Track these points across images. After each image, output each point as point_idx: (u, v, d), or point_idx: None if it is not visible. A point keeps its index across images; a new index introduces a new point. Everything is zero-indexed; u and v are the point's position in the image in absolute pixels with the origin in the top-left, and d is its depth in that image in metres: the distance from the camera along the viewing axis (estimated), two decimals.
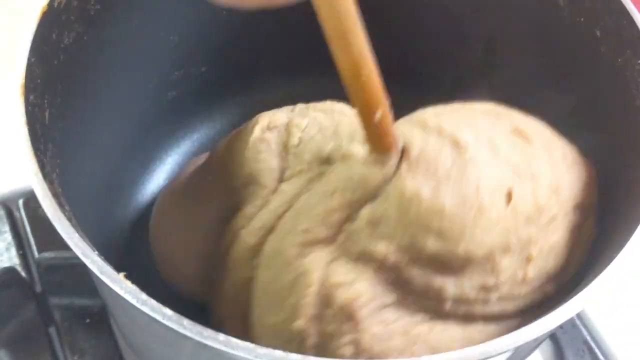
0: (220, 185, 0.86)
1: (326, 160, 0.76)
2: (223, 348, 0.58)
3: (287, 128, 0.83)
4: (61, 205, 0.68)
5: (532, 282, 0.68)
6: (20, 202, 1.14)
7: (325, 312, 0.65)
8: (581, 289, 0.66)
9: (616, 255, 0.69)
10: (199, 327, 0.59)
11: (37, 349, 1.00)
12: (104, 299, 0.88)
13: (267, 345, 0.58)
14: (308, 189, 0.74)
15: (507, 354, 0.67)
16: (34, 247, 1.10)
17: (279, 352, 0.57)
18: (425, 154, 0.66)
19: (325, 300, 0.66)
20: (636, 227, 0.71)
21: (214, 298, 0.82)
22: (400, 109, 0.73)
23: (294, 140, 0.81)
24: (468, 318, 0.67)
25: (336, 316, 0.65)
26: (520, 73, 1.01)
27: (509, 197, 0.66)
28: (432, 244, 0.63)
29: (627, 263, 0.69)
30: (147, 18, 0.97)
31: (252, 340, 0.61)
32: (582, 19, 0.88)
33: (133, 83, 1.02)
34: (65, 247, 0.64)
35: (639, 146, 0.80)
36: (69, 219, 0.67)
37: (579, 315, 1.10)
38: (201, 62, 1.10)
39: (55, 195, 0.69)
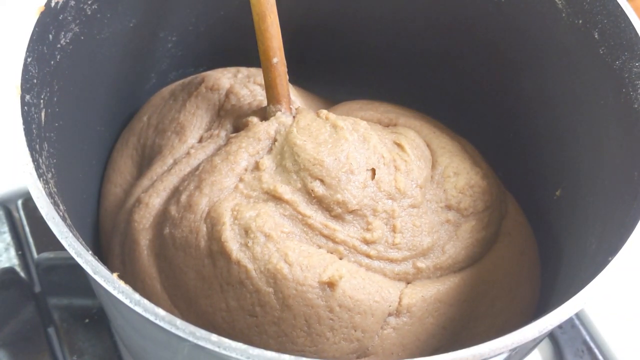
0: (153, 120, 1.01)
1: (236, 129, 0.95)
2: (216, 349, 0.58)
3: (227, 93, 0.99)
4: (56, 205, 0.68)
5: (403, 250, 0.87)
6: (20, 202, 1.14)
7: (247, 240, 0.81)
8: (571, 295, 0.66)
9: (612, 258, 0.69)
10: (191, 328, 0.59)
11: (36, 349, 1.00)
12: (100, 300, 0.88)
13: (258, 345, 0.58)
14: (215, 155, 0.91)
15: (503, 356, 0.67)
16: (33, 248, 1.10)
17: (270, 353, 0.57)
18: (310, 126, 0.90)
19: (243, 230, 0.82)
20: (632, 230, 0.71)
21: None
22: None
23: (228, 105, 0.98)
24: (360, 266, 0.85)
25: (258, 239, 0.81)
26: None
27: (373, 172, 0.88)
28: (318, 188, 0.85)
29: (623, 265, 0.69)
30: (145, 18, 0.97)
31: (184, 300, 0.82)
32: (580, 21, 0.88)
33: (130, 83, 1.03)
34: (64, 247, 0.64)
35: (638, 148, 0.80)
36: (64, 219, 0.67)
37: (578, 316, 1.10)
38: (199, 62, 1.10)
39: (50, 194, 0.69)
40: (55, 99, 0.80)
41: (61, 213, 0.68)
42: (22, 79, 0.74)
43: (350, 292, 0.81)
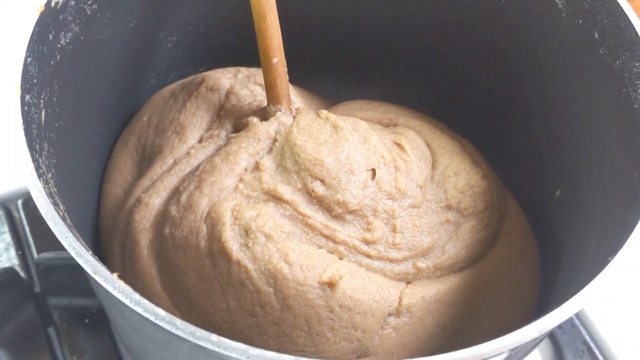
0: (153, 120, 1.02)
1: (236, 129, 0.95)
2: (216, 349, 0.58)
3: (227, 93, 0.99)
4: (56, 205, 0.68)
5: (403, 250, 0.87)
6: (20, 202, 1.15)
7: (247, 240, 0.81)
8: (571, 295, 0.66)
9: (612, 258, 0.69)
10: (191, 328, 0.59)
11: (36, 349, 1.00)
12: (100, 300, 0.88)
13: (258, 346, 0.58)
14: (215, 155, 0.91)
15: (503, 356, 0.67)
16: (33, 248, 1.10)
17: (270, 353, 0.57)
18: (310, 126, 0.90)
19: (243, 230, 0.82)
20: (632, 230, 0.71)
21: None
22: None
23: (228, 105, 0.98)
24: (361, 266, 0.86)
25: (258, 239, 0.81)
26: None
27: (373, 173, 0.88)
28: (318, 189, 0.85)
29: (624, 265, 0.69)
30: (145, 17, 0.97)
31: (183, 300, 0.82)
32: (580, 21, 0.88)
33: (130, 83, 1.03)
34: (64, 247, 0.64)
35: (638, 148, 0.80)
36: (64, 219, 0.67)
37: (578, 316, 1.10)
38: (199, 62, 1.10)
39: (50, 194, 0.69)
40: (55, 99, 0.80)
41: (61, 213, 0.68)
42: (22, 79, 0.74)
43: (350, 292, 0.81)
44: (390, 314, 0.84)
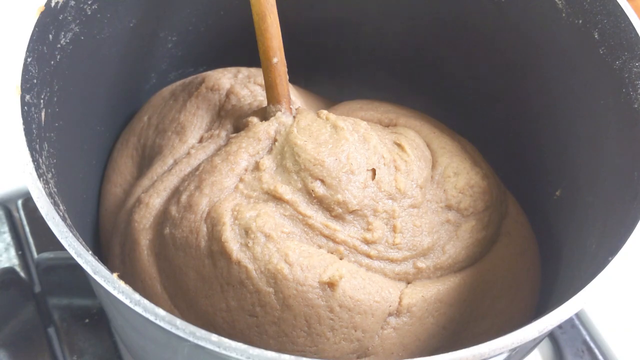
0: (153, 120, 1.02)
1: (236, 129, 0.96)
2: (216, 349, 0.58)
3: (227, 93, 0.99)
4: (56, 205, 0.68)
5: (403, 250, 0.87)
6: (20, 202, 1.14)
7: (247, 240, 0.81)
8: (571, 295, 0.66)
9: (612, 258, 0.69)
10: (191, 328, 0.59)
11: (36, 349, 1.00)
12: (100, 300, 0.88)
13: (258, 346, 0.58)
14: (215, 155, 0.91)
15: (503, 356, 0.67)
16: (33, 248, 1.10)
17: (270, 353, 0.57)
18: (311, 126, 0.90)
19: (243, 230, 0.82)
20: (632, 230, 0.71)
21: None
22: None
23: (229, 105, 0.98)
24: (361, 266, 0.86)
25: (258, 239, 0.81)
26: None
27: (373, 173, 0.88)
28: (319, 189, 0.85)
29: (624, 265, 0.69)
30: (145, 18, 0.97)
31: (184, 300, 0.82)
32: (580, 21, 0.88)
33: (130, 83, 1.03)
34: (64, 247, 0.64)
35: (638, 148, 0.80)
36: (64, 219, 0.67)
37: (578, 316, 1.10)
38: (199, 62, 1.10)
39: (50, 194, 0.69)
40: (55, 99, 0.80)
41: (61, 213, 0.68)
42: (22, 79, 0.74)
43: (350, 292, 0.81)
44: (390, 314, 0.84)
